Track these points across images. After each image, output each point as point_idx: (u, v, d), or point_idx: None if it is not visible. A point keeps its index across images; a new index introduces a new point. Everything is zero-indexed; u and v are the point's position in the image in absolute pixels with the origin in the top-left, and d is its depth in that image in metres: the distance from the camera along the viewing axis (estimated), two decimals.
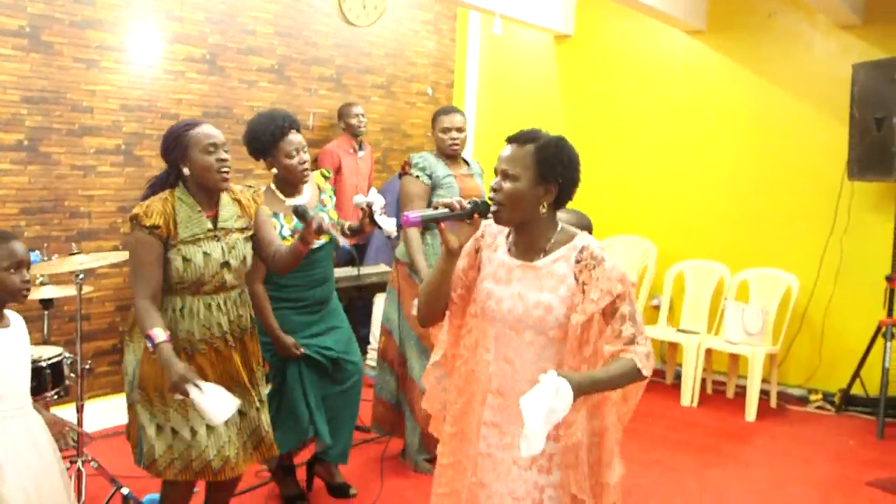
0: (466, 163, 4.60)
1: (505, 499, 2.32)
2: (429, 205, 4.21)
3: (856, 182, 5.74)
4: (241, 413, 3.13)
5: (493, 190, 2.30)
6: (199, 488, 3.39)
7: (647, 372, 2.21)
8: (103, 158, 5.06)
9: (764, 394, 5.93)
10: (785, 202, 6.27)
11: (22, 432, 2.73)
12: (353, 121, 6.29)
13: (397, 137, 7.21)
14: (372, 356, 6.09)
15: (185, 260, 2.98)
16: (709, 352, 6.03)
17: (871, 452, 5.14)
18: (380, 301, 5.75)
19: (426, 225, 2.40)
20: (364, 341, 6.28)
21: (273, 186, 3.77)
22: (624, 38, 7.04)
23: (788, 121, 6.25)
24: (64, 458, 3.93)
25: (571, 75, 7.40)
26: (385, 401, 4.56)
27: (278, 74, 6.05)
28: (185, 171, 3.01)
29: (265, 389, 3.34)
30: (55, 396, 3.83)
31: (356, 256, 5.33)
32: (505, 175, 2.28)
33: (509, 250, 2.39)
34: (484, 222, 2.44)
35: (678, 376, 6.25)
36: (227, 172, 3.02)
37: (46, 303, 4.21)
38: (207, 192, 3.06)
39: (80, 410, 3.71)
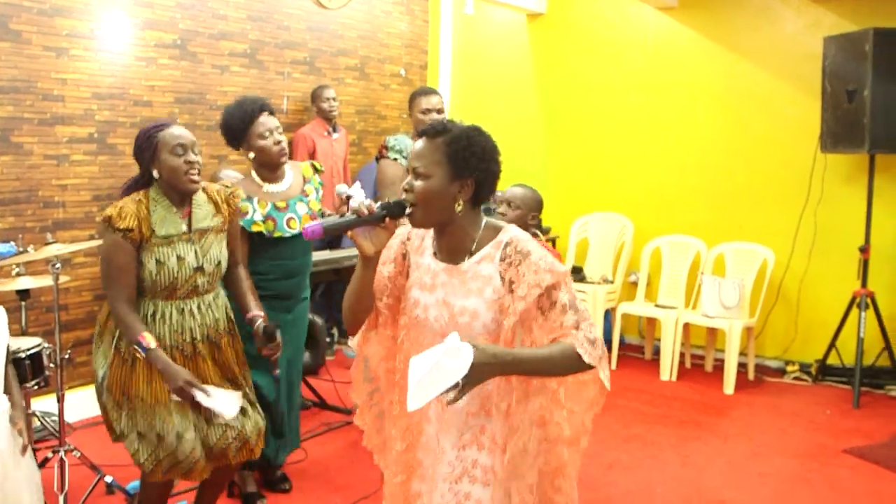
0: None
1: None
2: None
3: (829, 154, 5.79)
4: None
5: (405, 190, 2.09)
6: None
7: (589, 359, 2.01)
8: (76, 147, 5.00)
9: (742, 366, 6.00)
10: (759, 176, 6.32)
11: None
12: (325, 104, 6.26)
13: (372, 119, 7.18)
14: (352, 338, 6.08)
15: (159, 263, 2.97)
16: (687, 326, 6.08)
17: (847, 421, 5.22)
18: None
19: (329, 235, 2.08)
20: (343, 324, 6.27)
21: (253, 174, 3.76)
22: (597, 15, 7.05)
23: (761, 95, 6.29)
24: (46, 447, 3.96)
25: (545, 54, 7.41)
26: None
27: (251, 59, 6.00)
28: (155, 173, 3.00)
29: (251, 391, 3.29)
30: (35, 387, 3.83)
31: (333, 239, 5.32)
32: (416, 173, 2.07)
33: (435, 253, 2.20)
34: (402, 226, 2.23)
35: (657, 351, 6.30)
36: (195, 174, 3.00)
37: (23, 294, 4.18)
38: (179, 193, 3.06)
39: (60, 400, 3.70)
